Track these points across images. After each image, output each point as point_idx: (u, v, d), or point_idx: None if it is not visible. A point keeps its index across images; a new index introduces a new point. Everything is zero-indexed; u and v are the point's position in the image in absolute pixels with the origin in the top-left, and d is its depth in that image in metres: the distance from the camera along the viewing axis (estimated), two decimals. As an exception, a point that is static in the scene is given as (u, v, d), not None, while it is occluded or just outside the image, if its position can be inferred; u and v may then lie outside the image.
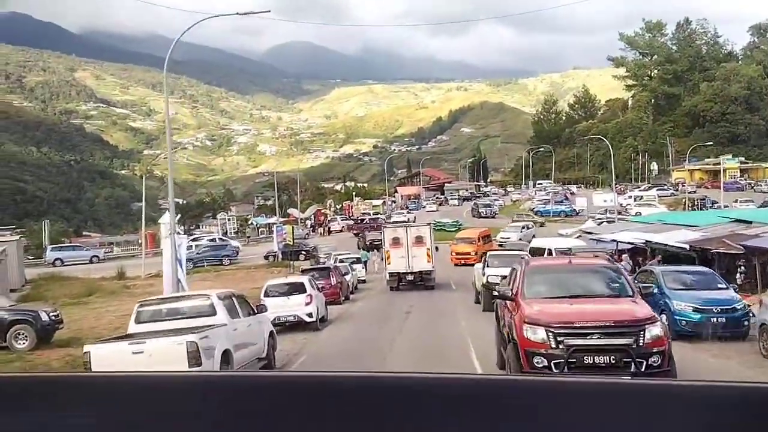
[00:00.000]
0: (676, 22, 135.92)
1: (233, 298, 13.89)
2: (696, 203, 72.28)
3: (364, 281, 37.51)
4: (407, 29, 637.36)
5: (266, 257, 50.52)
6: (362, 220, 73.31)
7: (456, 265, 40.71)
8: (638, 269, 24.88)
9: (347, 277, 31.79)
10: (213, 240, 58.33)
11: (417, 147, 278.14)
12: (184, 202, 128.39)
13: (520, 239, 47.08)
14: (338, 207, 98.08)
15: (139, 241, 75.24)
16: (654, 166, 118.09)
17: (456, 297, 27.85)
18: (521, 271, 11.55)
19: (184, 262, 20.43)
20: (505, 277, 19.36)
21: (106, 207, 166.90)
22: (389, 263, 31.25)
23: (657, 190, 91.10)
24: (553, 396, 1.28)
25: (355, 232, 64.17)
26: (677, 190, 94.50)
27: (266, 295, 21.06)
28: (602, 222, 44.58)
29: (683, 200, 79.17)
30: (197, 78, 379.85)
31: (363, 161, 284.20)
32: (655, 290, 15.38)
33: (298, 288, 21.09)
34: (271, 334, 15.10)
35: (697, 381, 1.29)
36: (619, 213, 63.60)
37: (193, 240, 59.96)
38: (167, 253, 19.74)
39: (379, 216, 76.93)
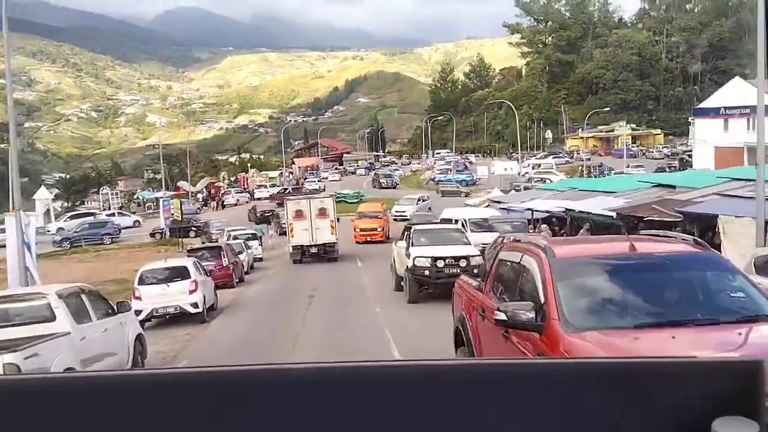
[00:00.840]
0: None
1: (82, 296, 10.57)
2: (592, 170, 72.48)
3: (260, 259, 34.23)
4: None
5: (152, 234, 46.75)
6: (288, 189, 70.30)
7: (359, 242, 36.85)
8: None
9: (242, 256, 28.48)
10: (92, 216, 53.36)
11: (314, 118, 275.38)
12: (68, 176, 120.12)
13: (417, 212, 44.99)
14: (232, 179, 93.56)
15: None
16: (548, 134, 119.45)
17: (365, 278, 24.66)
18: (543, 269, 5.85)
19: (33, 247, 16.69)
20: (438, 259, 17.48)
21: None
22: (292, 236, 30.68)
23: (553, 158, 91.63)
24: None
25: (278, 202, 59.36)
26: (572, 157, 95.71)
27: (141, 282, 17.79)
28: (510, 190, 43.17)
29: (579, 167, 79.91)
30: (81, 45, 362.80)
31: (258, 132, 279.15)
32: None
33: (181, 273, 17.81)
34: (138, 337, 11.93)
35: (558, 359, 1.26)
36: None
37: (72, 217, 55.08)
38: (11, 236, 15.96)
39: (306, 185, 76.95)
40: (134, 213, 66.78)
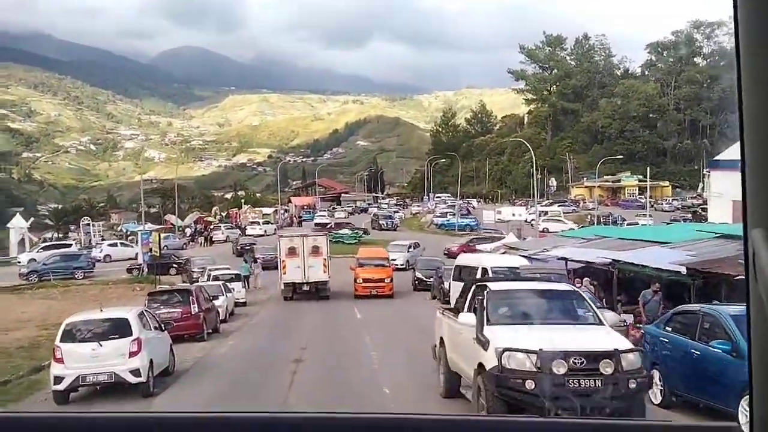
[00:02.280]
0: (575, 38, 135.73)
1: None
2: (602, 219, 69.64)
3: (243, 304, 29.92)
4: (302, 40, 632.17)
5: (129, 270, 42.76)
6: (327, 224, 69.24)
7: (359, 297, 30.51)
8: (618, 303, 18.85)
9: (219, 301, 24.23)
10: (66, 248, 49.37)
11: (312, 158, 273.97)
12: (59, 206, 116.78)
13: (408, 261, 40.79)
14: (223, 215, 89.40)
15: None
16: (553, 181, 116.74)
17: (366, 336, 19.85)
18: None
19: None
20: (555, 358, 9.31)
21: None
22: (285, 273, 30.27)
23: (559, 205, 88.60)
24: None
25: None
26: (578, 206, 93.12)
27: (66, 338, 13.31)
28: (527, 237, 39.26)
29: (587, 216, 76.95)
30: (83, 80, 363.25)
31: (257, 171, 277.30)
32: None
33: (119, 327, 13.39)
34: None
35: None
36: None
37: (45, 248, 51.01)
38: None
39: (343, 220, 77.04)
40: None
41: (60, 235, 75.90)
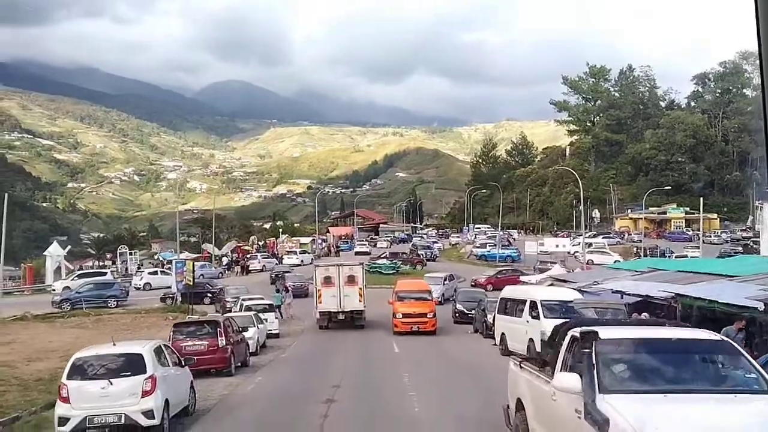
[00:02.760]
0: (620, 69, 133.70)
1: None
2: (650, 252, 67.43)
3: (276, 335, 28.66)
4: (344, 75, 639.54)
5: (163, 299, 41.91)
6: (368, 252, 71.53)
7: (399, 333, 27.95)
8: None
9: (249, 332, 22.98)
10: (101, 276, 48.98)
11: (351, 189, 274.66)
12: (100, 236, 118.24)
13: (443, 294, 39.18)
14: (261, 244, 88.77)
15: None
16: (596, 213, 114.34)
17: (405, 375, 18.23)
18: None
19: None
20: None
21: (24, 240, 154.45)
22: (320, 302, 30.39)
23: (603, 237, 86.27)
24: None
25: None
26: (622, 238, 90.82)
27: (74, 374, 11.92)
28: (574, 269, 37.38)
29: (632, 248, 74.68)
30: (128, 112, 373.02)
31: (296, 202, 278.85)
32: None
33: (132, 364, 11.96)
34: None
35: None
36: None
37: (80, 276, 50.75)
38: None
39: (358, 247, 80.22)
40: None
41: (101, 264, 76.16)
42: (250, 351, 22.09)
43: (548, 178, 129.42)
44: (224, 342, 18.51)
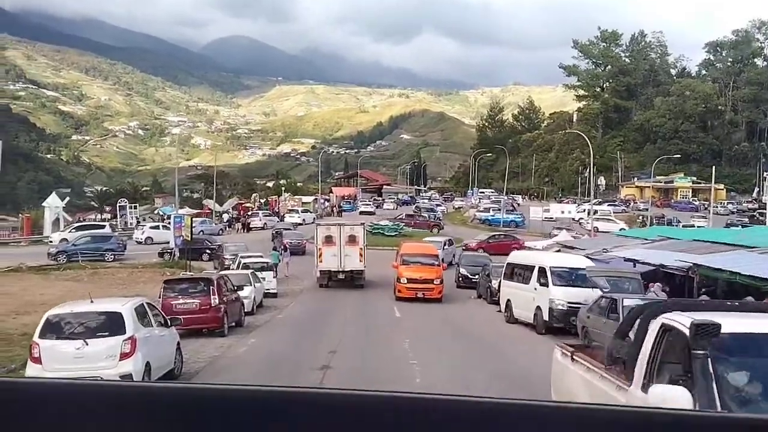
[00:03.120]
0: (631, 34, 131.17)
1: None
2: (656, 221, 66.30)
3: (274, 295, 27.91)
4: (350, 34, 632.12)
5: (161, 254, 41.07)
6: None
7: (402, 299, 26.43)
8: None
9: (245, 291, 22.19)
10: (100, 229, 48.26)
11: (356, 150, 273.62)
12: (104, 189, 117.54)
13: (442, 259, 37.98)
14: (263, 201, 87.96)
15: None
16: (602, 180, 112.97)
17: (405, 342, 17.53)
18: None
19: None
20: None
21: (27, 191, 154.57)
22: (321, 261, 30.33)
23: (608, 205, 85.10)
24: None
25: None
26: (627, 206, 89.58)
27: (46, 333, 11.00)
28: (582, 235, 36.57)
29: (638, 217, 73.73)
30: (134, 65, 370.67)
31: (300, 161, 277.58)
32: None
33: (111, 323, 11.01)
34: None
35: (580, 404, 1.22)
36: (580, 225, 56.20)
37: (78, 228, 49.91)
38: None
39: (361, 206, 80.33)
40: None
41: (102, 217, 75.43)
42: (246, 311, 21.31)
43: (554, 144, 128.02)
44: (217, 301, 17.66)
